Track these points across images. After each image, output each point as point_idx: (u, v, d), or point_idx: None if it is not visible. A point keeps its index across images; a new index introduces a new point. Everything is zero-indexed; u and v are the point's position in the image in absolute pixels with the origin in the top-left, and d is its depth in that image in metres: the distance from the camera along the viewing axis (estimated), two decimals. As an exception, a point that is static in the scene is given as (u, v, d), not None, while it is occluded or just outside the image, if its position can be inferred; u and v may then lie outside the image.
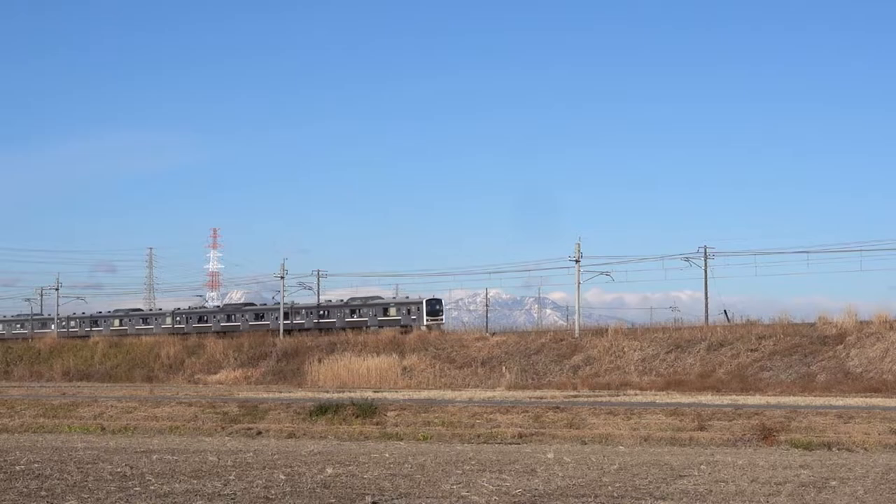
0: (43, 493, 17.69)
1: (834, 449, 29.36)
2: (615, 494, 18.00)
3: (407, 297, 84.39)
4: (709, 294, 73.02)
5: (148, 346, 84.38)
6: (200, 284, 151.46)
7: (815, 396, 45.06)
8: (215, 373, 75.43)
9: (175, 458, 25.38)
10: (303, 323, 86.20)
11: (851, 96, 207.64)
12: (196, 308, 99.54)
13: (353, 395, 46.53)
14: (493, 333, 73.26)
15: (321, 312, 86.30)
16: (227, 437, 35.75)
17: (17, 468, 22.07)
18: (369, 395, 47.07)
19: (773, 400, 41.32)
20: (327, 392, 53.64)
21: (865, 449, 29.26)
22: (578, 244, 72.89)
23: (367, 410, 37.77)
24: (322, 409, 38.56)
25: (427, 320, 79.68)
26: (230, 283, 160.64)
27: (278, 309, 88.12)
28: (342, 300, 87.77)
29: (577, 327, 69.77)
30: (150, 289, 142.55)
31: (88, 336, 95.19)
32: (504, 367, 64.30)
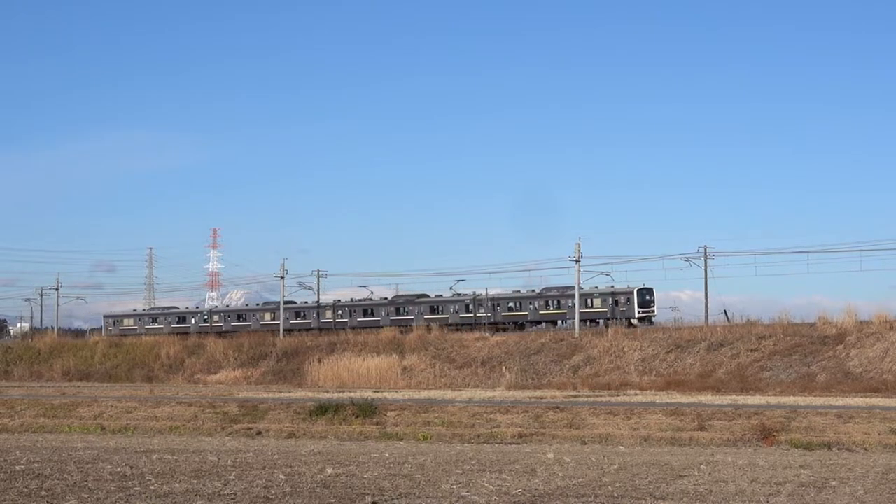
0: (43, 493, 17.70)
1: (834, 449, 29.37)
2: (615, 494, 18.01)
3: (612, 287, 74.58)
4: (709, 294, 72.93)
5: (148, 346, 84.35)
6: (200, 284, 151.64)
7: (815, 396, 45.05)
8: (215, 373, 75.39)
9: (175, 458, 25.39)
10: (489, 316, 77.50)
11: (851, 96, 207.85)
12: (361, 300, 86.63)
13: (353, 395, 46.52)
14: (494, 333, 73.17)
15: (510, 305, 77.16)
16: (227, 437, 35.76)
17: (17, 468, 22.08)
18: (369, 395, 47.07)
19: (773, 400, 41.32)
20: (327, 392, 53.64)
21: (865, 449, 29.27)
22: (578, 244, 72.81)
23: (367, 410, 37.77)
24: (322, 409, 38.56)
25: (638, 312, 71.60)
26: (230, 283, 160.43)
27: (466, 300, 79.31)
28: (533, 290, 78.42)
29: (577, 327, 69.76)
30: (150, 289, 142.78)
31: (234, 332, 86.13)
32: (504, 367, 64.27)
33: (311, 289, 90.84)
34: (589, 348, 64.43)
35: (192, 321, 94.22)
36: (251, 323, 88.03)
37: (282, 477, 20.41)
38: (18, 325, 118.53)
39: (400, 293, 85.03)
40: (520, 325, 75.55)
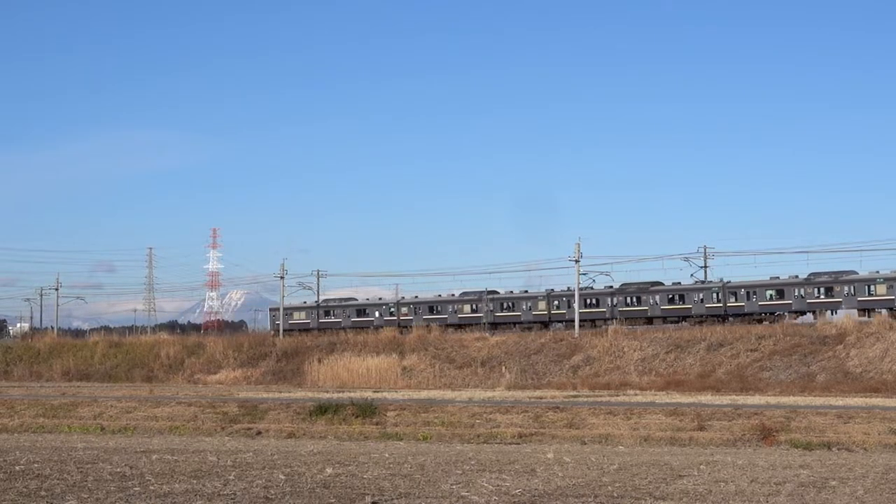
0: (43, 493, 17.70)
1: (834, 449, 29.37)
2: (615, 494, 18.01)
3: (878, 273, 65.32)
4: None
5: (147, 346, 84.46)
6: (200, 284, 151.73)
7: (814, 396, 45.08)
8: (215, 373, 75.45)
9: (175, 458, 25.38)
10: (742, 306, 68.73)
11: (851, 96, 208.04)
12: (585, 288, 74.63)
13: (353, 395, 46.53)
14: (493, 333, 73.17)
15: (768, 293, 67.81)
16: (227, 437, 35.75)
17: (17, 468, 22.07)
18: (369, 395, 47.08)
19: (772, 400, 41.33)
20: (327, 392, 53.65)
21: (865, 449, 29.26)
22: (578, 244, 72.94)
23: (366, 410, 37.78)
24: (322, 409, 38.57)
25: None
26: (230, 283, 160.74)
27: (714, 287, 70.31)
28: (796, 276, 68.87)
29: (576, 327, 69.75)
30: (150, 289, 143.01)
31: (426, 326, 76.63)
32: (504, 367, 64.30)
33: (310, 289, 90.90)
34: (589, 348, 64.48)
35: (376, 314, 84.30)
36: (447, 316, 79.16)
37: (282, 477, 20.40)
38: (18, 325, 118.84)
39: (628, 282, 74.70)
40: (781, 317, 67.29)
